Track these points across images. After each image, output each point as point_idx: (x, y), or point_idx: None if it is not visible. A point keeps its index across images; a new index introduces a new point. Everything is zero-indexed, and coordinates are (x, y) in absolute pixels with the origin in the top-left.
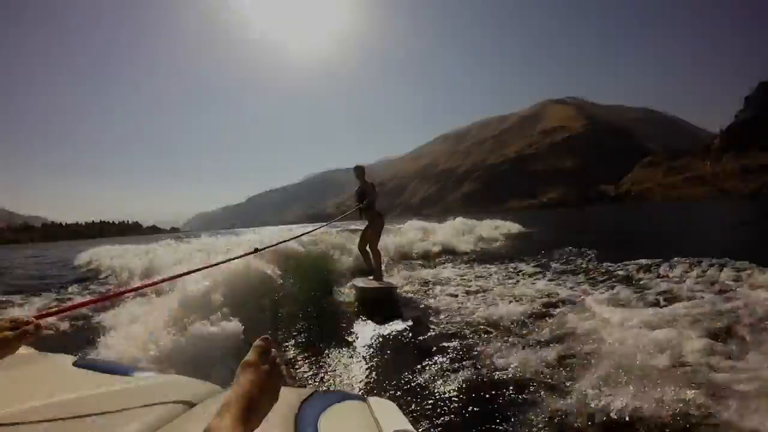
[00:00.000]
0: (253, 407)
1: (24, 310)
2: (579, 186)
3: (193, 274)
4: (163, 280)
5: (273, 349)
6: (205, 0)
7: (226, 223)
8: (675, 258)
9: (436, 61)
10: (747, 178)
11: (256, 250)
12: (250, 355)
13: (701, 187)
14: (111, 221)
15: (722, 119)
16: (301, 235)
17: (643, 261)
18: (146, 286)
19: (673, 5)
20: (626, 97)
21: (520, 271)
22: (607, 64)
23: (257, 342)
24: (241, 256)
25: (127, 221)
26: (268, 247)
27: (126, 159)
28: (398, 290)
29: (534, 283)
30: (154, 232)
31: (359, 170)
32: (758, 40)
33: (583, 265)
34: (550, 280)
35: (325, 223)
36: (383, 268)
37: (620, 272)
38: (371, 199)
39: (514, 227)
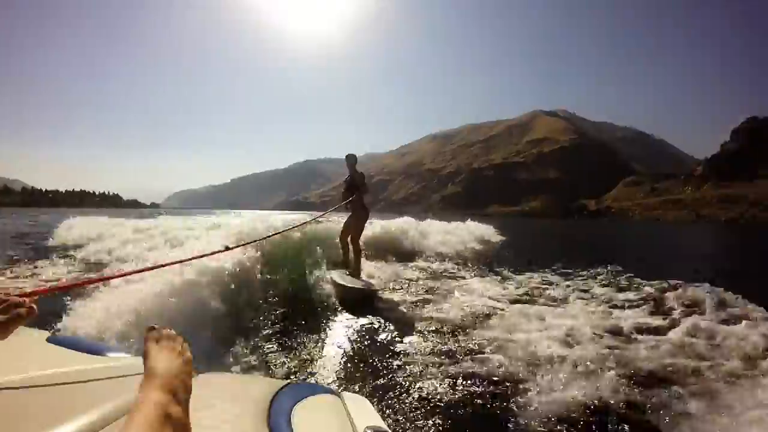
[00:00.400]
0: (176, 382)
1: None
2: (561, 198)
3: (168, 266)
4: (144, 270)
5: (161, 331)
6: None
7: (207, 201)
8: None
9: (432, 62)
10: (725, 207)
11: (226, 248)
12: (145, 348)
13: (679, 211)
14: (92, 191)
15: (707, 147)
16: (281, 231)
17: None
18: (129, 273)
19: (674, 33)
20: (616, 115)
21: (501, 274)
22: (601, 82)
23: (146, 335)
24: (211, 254)
25: (108, 192)
26: (238, 245)
27: (108, 127)
28: (379, 292)
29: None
30: (134, 206)
31: (351, 159)
32: (753, 77)
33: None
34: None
35: (312, 218)
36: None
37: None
38: (364, 191)
39: (494, 234)
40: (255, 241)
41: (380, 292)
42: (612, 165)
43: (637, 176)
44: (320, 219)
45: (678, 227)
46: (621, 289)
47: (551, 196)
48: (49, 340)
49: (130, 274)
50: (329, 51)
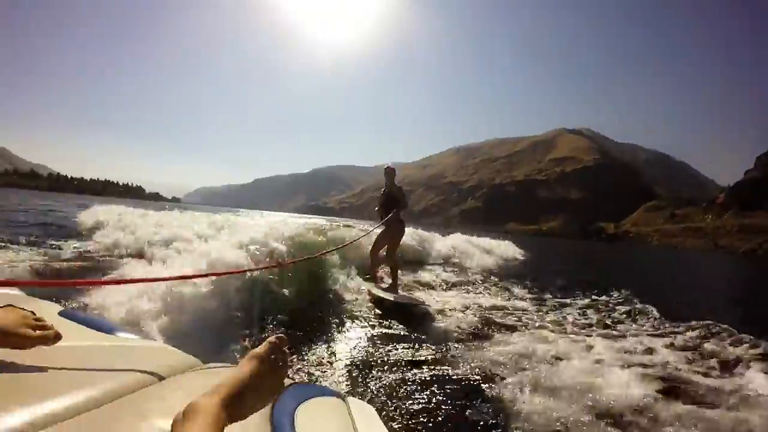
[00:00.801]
0: (244, 397)
1: (19, 255)
2: (580, 219)
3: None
4: (172, 278)
5: (285, 349)
6: None
7: (227, 200)
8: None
9: (459, 74)
10: (744, 237)
11: (279, 264)
12: (261, 348)
13: (698, 239)
14: (115, 181)
15: (732, 173)
16: (333, 250)
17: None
18: (153, 280)
19: (703, 61)
20: (641, 137)
21: (544, 297)
22: (627, 102)
23: (271, 338)
24: (263, 268)
25: (131, 184)
26: (293, 261)
27: (134, 120)
28: (430, 309)
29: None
30: (155, 199)
31: (390, 172)
32: None
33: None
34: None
35: (363, 233)
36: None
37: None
38: (403, 206)
39: (518, 252)
40: (306, 258)
41: (429, 308)
42: (634, 187)
43: (658, 200)
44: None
45: (695, 256)
46: (659, 334)
47: (570, 216)
48: (61, 314)
49: (166, 279)
50: (356, 59)
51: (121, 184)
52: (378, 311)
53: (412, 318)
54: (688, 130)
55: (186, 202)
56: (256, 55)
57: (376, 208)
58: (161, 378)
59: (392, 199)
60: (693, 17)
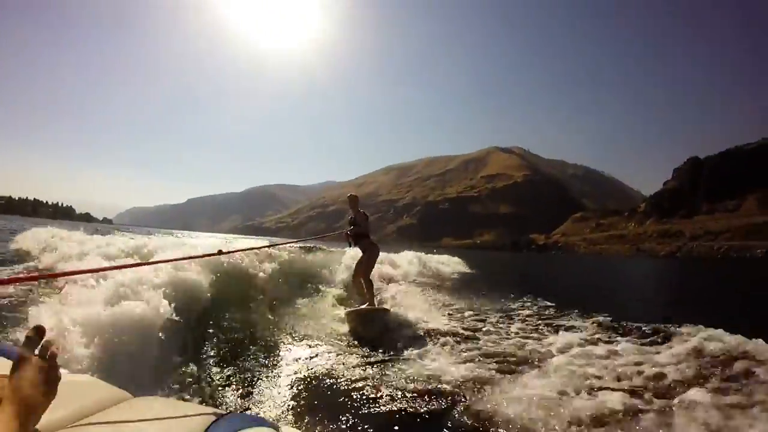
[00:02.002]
0: (29, 405)
1: None
2: (512, 232)
3: (145, 266)
4: (116, 267)
5: (48, 339)
6: None
7: (160, 221)
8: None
9: (391, 94)
10: (663, 242)
11: (220, 252)
12: (22, 349)
13: (621, 245)
14: (45, 201)
15: (657, 185)
16: (276, 245)
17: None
18: (98, 270)
19: (625, 80)
20: (568, 153)
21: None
22: (555, 120)
23: (28, 332)
24: (204, 256)
25: (61, 204)
26: (232, 251)
27: (60, 136)
28: (390, 312)
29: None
30: (87, 220)
31: (353, 199)
32: (697, 117)
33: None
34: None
35: (307, 238)
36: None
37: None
38: (361, 230)
39: (460, 265)
40: (252, 249)
41: (390, 312)
42: (563, 201)
43: (585, 212)
44: (289, 245)
45: (618, 261)
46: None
47: (503, 229)
48: None
49: (95, 271)
50: (287, 76)
51: (50, 203)
52: (333, 334)
53: (386, 330)
54: (613, 146)
55: (117, 223)
56: (188, 71)
57: (346, 232)
58: (85, 415)
59: (357, 226)
60: (609, 35)
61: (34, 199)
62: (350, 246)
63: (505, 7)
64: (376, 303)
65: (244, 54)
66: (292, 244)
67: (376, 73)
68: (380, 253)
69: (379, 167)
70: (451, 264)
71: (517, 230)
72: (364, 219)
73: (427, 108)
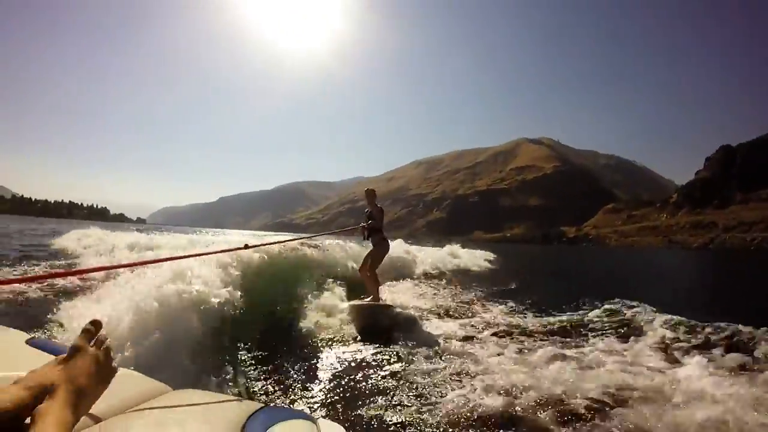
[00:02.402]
0: (82, 393)
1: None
2: (543, 224)
3: (180, 259)
4: (149, 262)
5: (103, 333)
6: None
7: (192, 220)
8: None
9: (419, 88)
10: (696, 233)
11: (246, 247)
12: (79, 340)
13: (654, 237)
14: (80, 203)
15: (689, 174)
16: (295, 239)
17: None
18: (132, 264)
19: (656, 62)
20: (600, 143)
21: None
22: (586, 110)
23: (86, 326)
24: (230, 250)
25: (96, 205)
26: (258, 245)
27: (95, 139)
28: (393, 310)
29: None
30: (120, 220)
31: (370, 194)
32: (731, 105)
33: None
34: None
35: (326, 232)
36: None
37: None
38: (375, 224)
39: (486, 260)
40: (276, 242)
41: (394, 309)
42: (594, 192)
43: (616, 203)
44: (319, 238)
45: (651, 253)
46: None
47: (534, 222)
48: (28, 342)
49: (132, 265)
50: (316, 75)
51: (85, 205)
52: (353, 329)
53: (391, 327)
54: (645, 134)
55: (151, 223)
56: (219, 72)
57: (363, 226)
58: (128, 406)
59: (371, 218)
60: (643, 24)
61: (70, 201)
62: (365, 239)
63: (528, 1)
64: (382, 298)
65: (269, 53)
66: (314, 238)
67: (402, 66)
68: (407, 246)
69: (409, 161)
70: (476, 258)
71: (548, 223)
72: (379, 214)
73: (453, 102)
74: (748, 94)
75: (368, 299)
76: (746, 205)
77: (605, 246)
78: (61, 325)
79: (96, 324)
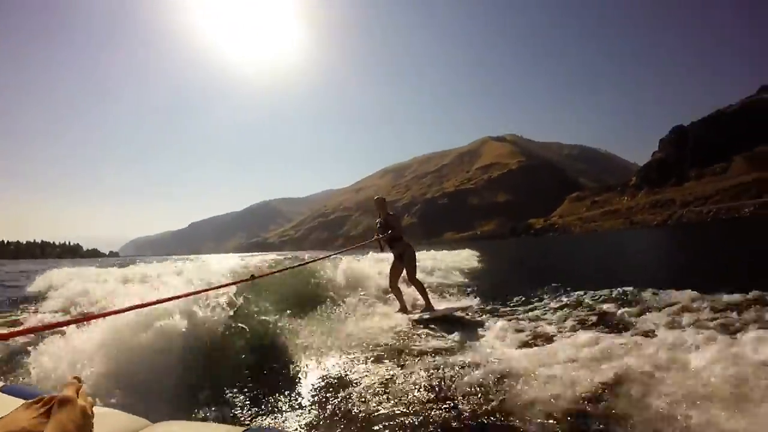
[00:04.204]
0: None
1: None
2: (513, 219)
3: (182, 298)
4: (169, 299)
5: (83, 385)
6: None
7: (165, 248)
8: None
9: (378, 96)
10: (655, 212)
11: (253, 278)
12: (68, 391)
13: (615, 220)
14: (52, 242)
15: (648, 155)
16: (303, 264)
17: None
18: (126, 309)
19: (610, 51)
20: (563, 135)
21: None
22: (547, 103)
23: (71, 379)
24: (236, 283)
25: (68, 243)
26: (264, 275)
27: (56, 172)
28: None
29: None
30: (94, 255)
31: (380, 202)
32: (686, 86)
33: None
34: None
35: (337, 252)
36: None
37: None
38: (396, 233)
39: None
40: (282, 270)
41: (463, 311)
42: (560, 182)
43: (581, 191)
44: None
45: (611, 236)
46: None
47: (503, 218)
48: (2, 389)
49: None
50: (275, 89)
51: (57, 243)
52: (343, 346)
53: (451, 327)
54: (607, 120)
55: (124, 255)
56: (173, 96)
57: (374, 238)
58: None
59: (388, 227)
60: (593, 7)
61: (42, 241)
62: (382, 251)
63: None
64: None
65: (230, 69)
66: (322, 260)
67: (359, 74)
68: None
69: (376, 170)
70: (460, 259)
71: (517, 217)
72: (396, 221)
73: (418, 105)
74: (702, 71)
75: (423, 311)
76: (700, 180)
77: (570, 234)
78: (28, 370)
79: (77, 378)
